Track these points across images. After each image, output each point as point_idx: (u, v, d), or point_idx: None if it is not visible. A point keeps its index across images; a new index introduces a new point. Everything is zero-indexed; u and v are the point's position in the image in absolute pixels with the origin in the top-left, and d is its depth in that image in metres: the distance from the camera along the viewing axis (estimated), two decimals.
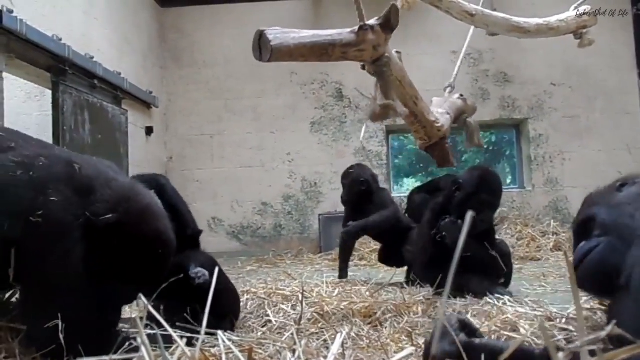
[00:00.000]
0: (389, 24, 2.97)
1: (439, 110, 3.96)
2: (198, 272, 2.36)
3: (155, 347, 0.90)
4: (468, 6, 4.32)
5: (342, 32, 2.90)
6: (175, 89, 8.36)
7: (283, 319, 2.64)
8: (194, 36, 8.42)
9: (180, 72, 8.40)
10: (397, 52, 3.31)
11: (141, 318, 0.88)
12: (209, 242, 7.45)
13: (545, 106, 8.09)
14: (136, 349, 0.92)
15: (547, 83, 8.11)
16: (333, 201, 8.07)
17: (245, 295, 3.23)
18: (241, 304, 3.00)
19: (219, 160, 8.24)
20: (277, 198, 8.14)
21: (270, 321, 2.61)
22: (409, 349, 1.07)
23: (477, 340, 1.46)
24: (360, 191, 4.66)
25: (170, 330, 0.96)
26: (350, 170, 4.84)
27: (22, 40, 4.60)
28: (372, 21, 2.96)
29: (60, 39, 5.12)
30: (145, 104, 7.44)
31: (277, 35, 2.68)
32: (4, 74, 4.49)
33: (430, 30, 7.94)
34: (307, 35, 2.77)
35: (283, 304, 2.97)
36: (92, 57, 5.74)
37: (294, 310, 2.83)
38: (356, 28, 2.91)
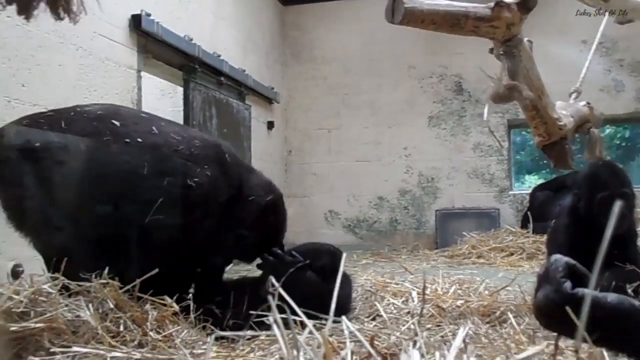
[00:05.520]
0: (526, 3, 2.89)
1: (563, 112, 3.76)
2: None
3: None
4: None
5: (476, 6, 2.88)
6: (295, 84, 8.59)
7: (395, 314, 2.65)
8: (313, 33, 8.60)
9: (300, 68, 8.61)
10: (528, 40, 3.20)
11: (273, 298, 0.95)
12: (325, 235, 7.62)
13: None
14: (268, 327, 1.00)
15: None
16: (450, 197, 7.94)
17: (358, 288, 3.29)
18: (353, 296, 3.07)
19: (336, 154, 8.37)
20: (393, 192, 8.14)
21: (380, 315, 2.62)
22: (537, 347, 1.05)
23: (580, 291, 1.24)
24: None
25: (300, 312, 1.02)
26: None
27: (158, 41, 4.96)
28: None
29: (191, 39, 5.45)
30: (267, 99, 7.72)
31: None
32: (142, 73, 4.86)
33: (559, 18, 7.50)
34: (441, 3, 2.77)
35: (393, 298, 2.99)
36: (219, 56, 6.05)
37: (405, 305, 2.83)
38: (492, 3, 2.86)
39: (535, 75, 3.21)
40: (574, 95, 4.49)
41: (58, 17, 2.07)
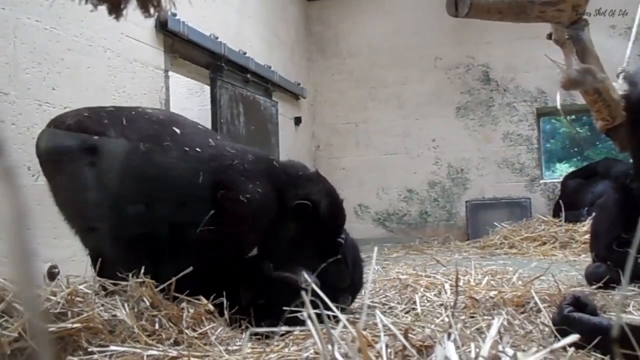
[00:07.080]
0: None
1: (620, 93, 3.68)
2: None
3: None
4: None
5: None
6: (321, 79, 8.59)
7: (429, 306, 2.64)
8: (338, 27, 8.57)
9: (325, 63, 8.60)
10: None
11: (307, 294, 0.95)
12: (355, 229, 7.59)
13: None
14: (302, 323, 1.00)
15: None
16: (480, 187, 7.86)
17: (391, 281, 3.28)
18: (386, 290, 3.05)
19: (364, 148, 8.34)
20: (422, 185, 8.08)
21: (414, 308, 2.62)
22: (573, 336, 1.03)
23: (576, 315, 1.82)
24: None
25: (333, 307, 1.02)
26: None
27: (184, 40, 4.99)
28: None
29: (217, 38, 5.48)
30: (293, 95, 7.73)
31: None
32: (170, 73, 4.91)
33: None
34: None
35: (426, 291, 2.97)
36: (245, 53, 6.07)
37: (438, 297, 2.82)
38: None
39: (594, 57, 3.15)
40: (622, 76, 4.37)
41: (149, 14, 2.09)
